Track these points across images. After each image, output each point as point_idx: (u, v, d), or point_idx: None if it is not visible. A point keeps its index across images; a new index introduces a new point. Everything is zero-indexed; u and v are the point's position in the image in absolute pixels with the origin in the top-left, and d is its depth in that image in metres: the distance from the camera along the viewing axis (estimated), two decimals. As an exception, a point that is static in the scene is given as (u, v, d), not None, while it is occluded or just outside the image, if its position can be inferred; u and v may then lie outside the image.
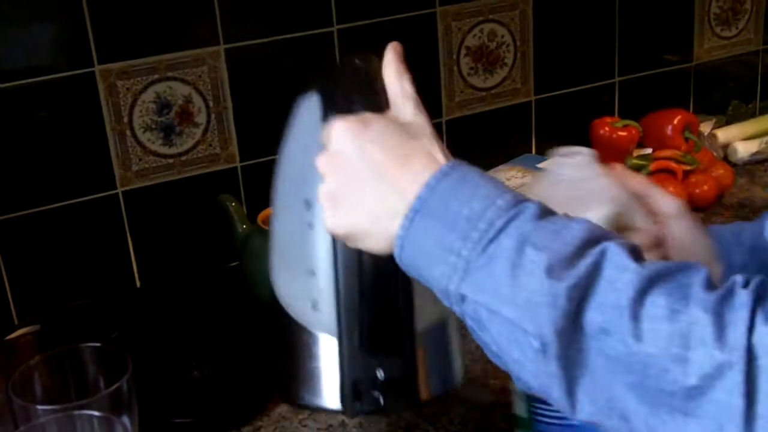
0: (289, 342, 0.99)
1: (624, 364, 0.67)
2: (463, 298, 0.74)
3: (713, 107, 2.01)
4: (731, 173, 1.79)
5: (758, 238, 0.93)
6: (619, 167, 0.98)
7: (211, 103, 1.55)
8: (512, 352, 0.73)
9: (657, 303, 0.67)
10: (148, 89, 1.50)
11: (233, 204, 1.47)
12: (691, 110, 1.98)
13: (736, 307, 0.65)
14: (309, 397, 0.98)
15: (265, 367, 1.32)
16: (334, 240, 0.88)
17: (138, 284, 1.58)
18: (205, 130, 1.56)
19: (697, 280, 0.68)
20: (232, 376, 1.30)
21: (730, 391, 0.63)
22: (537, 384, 0.73)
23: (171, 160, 1.55)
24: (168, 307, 1.52)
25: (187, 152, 1.56)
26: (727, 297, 0.66)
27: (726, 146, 1.91)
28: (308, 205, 0.93)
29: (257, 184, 1.61)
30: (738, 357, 0.63)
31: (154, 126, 1.52)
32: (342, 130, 0.82)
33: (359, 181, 0.80)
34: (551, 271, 0.69)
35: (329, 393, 0.95)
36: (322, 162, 0.84)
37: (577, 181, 0.95)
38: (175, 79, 1.51)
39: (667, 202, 0.95)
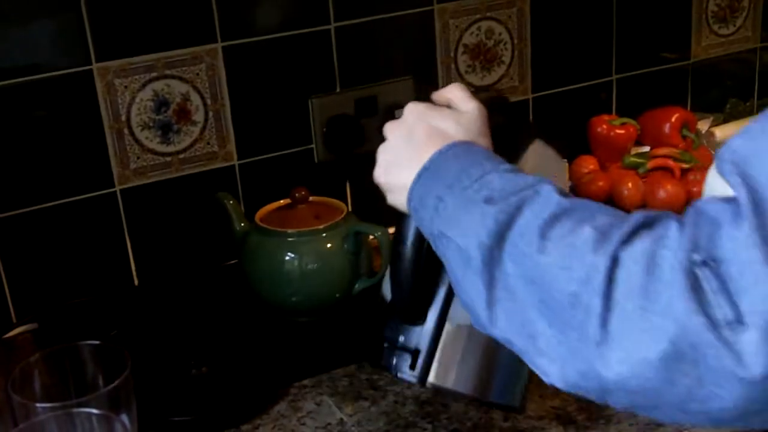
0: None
1: (533, 280, 0.77)
2: (437, 235, 0.89)
3: (711, 105, 2.02)
4: (729, 171, 1.78)
5: None
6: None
7: (208, 101, 1.55)
8: (456, 274, 0.86)
9: (564, 225, 0.78)
10: (145, 87, 1.50)
11: (231, 202, 1.47)
12: (688, 108, 1.98)
13: (621, 227, 0.74)
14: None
15: (264, 365, 1.32)
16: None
17: (136, 282, 1.58)
18: (203, 128, 1.56)
19: (606, 211, 0.79)
20: (231, 374, 1.30)
21: (592, 291, 0.72)
22: (467, 299, 0.85)
23: (169, 158, 1.55)
24: (166, 305, 1.52)
25: (184, 150, 1.56)
26: (619, 221, 0.76)
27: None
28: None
29: (255, 182, 1.62)
30: (604, 262, 0.72)
31: (151, 124, 1.52)
32: (412, 107, 1.02)
33: (402, 146, 0.99)
34: (489, 200, 0.84)
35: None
36: (388, 126, 1.03)
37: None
38: (172, 77, 1.51)
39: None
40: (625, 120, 1.80)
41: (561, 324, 0.76)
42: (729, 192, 0.70)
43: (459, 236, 0.85)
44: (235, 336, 1.41)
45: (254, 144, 1.61)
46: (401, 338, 1.07)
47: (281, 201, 1.48)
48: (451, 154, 0.93)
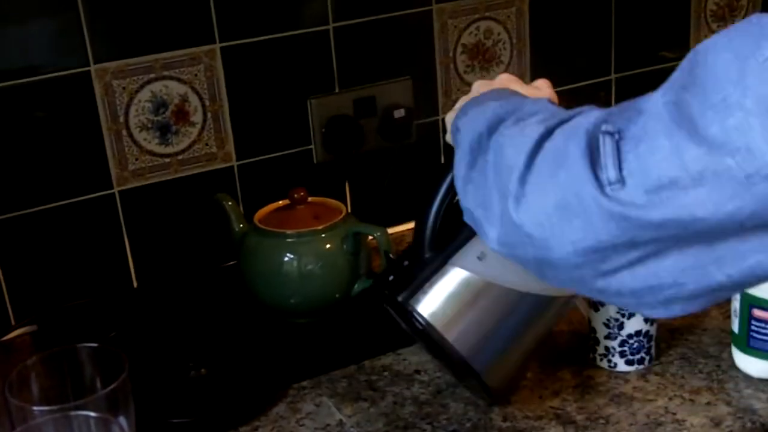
0: None
1: (496, 162, 0.88)
2: (453, 131, 1.01)
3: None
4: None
5: None
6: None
7: (207, 102, 1.55)
8: (455, 157, 0.97)
9: (537, 115, 0.89)
10: (144, 88, 1.50)
11: (230, 203, 1.47)
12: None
13: (570, 113, 0.85)
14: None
15: (262, 366, 1.32)
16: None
17: (135, 284, 1.58)
18: (202, 129, 1.56)
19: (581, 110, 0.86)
20: (230, 376, 1.30)
21: (522, 155, 0.84)
22: (455, 175, 0.96)
23: (167, 160, 1.55)
24: (165, 307, 1.52)
25: (183, 151, 1.55)
26: (580, 112, 0.85)
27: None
28: None
29: (254, 183, 1.61)
30: (539, 132, 0.84)
31: (150, 125, 1.52)
32: (506, 75, 1.13)
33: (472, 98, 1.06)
34: (498, 103, 0.96)
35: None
36: (478, 82, 1.14)
37: None
38: (171, 78, 1.51)
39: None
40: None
41: (501, 189, 0.86)
42: None
43: (467, 129, 0.95)
44: (234, 337, 1.41)
45: (253, 145, 1.61)
46: (406, 262, 1.12)
47: (280, 202, 1.48)
48: (500, 91, 1.04)
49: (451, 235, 1.10)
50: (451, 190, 1.06)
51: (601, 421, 1.18)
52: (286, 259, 1.40)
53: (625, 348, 1.25)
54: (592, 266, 0.81)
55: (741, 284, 0.78)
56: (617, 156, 0.76)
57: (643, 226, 0.75)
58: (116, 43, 1.47)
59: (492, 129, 0.91)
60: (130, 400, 1.01)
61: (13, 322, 1.49)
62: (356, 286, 1.43)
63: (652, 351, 1.28)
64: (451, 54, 1.72)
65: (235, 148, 1.59)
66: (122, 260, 1.56)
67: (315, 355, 1.36)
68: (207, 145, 1.57)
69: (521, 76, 1.77)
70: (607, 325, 1.25)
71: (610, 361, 1.27)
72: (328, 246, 1.41)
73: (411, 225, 1.19)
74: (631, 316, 1.24)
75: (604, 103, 1.89)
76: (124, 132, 1.50)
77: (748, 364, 1.24)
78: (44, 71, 1.43)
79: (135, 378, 1.02)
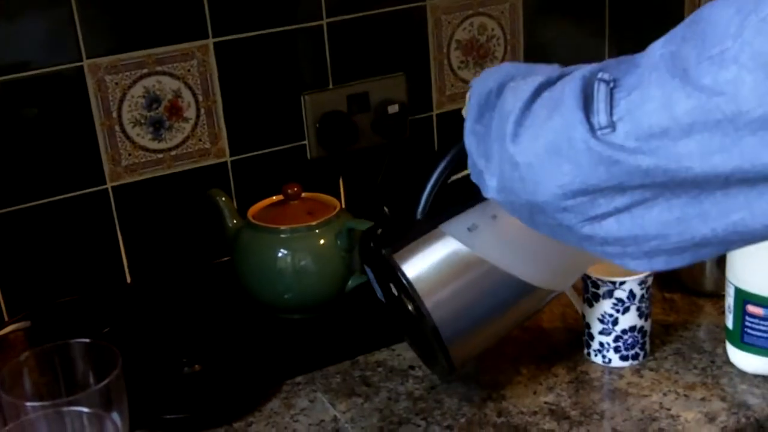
0: None
1: (500, 109, 0.89)
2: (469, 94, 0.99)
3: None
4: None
5: None
6: None
7: (200, 98, 1.55)
8: (467, 123, 0.97)
9: (544, 72, 0.89)
10: (136, 84, 1.49)
11: (223, 199, 1.47)
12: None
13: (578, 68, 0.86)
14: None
15: (256, 362, 1.32)
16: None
17: (128, 280, 1.58)
18: (195, 125, 1.55)
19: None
20: (224, 372, 1.30)
21: (520, 101, 0.86)
22: (465, 137, 0.96)
23: (161, 155, 1.54)
24: (159, 303, 1.52)
25: (176, 147, 1.55)
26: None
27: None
28: None
29: (247, 178, 1.61)
30: (540, 81, 0.86)
31: (143, 121, 1.51)
32: None
33: None
34: (512, 65, 0.96)
35: None
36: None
37: None
38: (164, 73, 1.51)
39: None
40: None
41: (500, 135, 0.87)
42: None
43: (478, 86, 0.95)
44: (228, 333, 1.40)
45: (246, 140, 1.60)
46: (391, 212, 1.16)
47: (274, 197, 1.48)
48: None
49: (447, 207, 1.10)
50: (454, 163, 1.07)
51: (596, 416, 1.18)
52: (280, 254, 1.40)
53: (620, 343, 1.25)
54: (580, 210, 0.83)
55: (724, 240, 0.79)
56: (609, 102, 0.77)
57: (631, 172, 0.77)
58: (109, 38, 1.47)
59: (501, 87, 0.92)
60: (123, 395, 1.00)
61: (6, 318, 1.49)
62: (350, 281, 1.43)
63: (647, 346, 1.28)
64: (445, 50, 1.72)
65: (228, 143, 1.59)
66: (115, 256, 1.56)
67: (309, 350, 1.35)
68: (200, 140, 1.57)
69: (515, 72, 1.77)
70: (601, 321, 1.25)
71: (604, 356, 1.27)
72: (322, 242, 1.40)
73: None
74: (625, 311, 1.24)
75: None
76: (117, 128, 1.50)
77: (742, 359, 1.24)
78: (36, 66, 1.43)
79: (128, 374, 1.02)
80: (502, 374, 1.27)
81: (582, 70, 0.83)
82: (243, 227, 1.44)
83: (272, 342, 1.38)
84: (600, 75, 0.80)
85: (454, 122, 1.74)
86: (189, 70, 1.52)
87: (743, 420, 1.16)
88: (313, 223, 1.41)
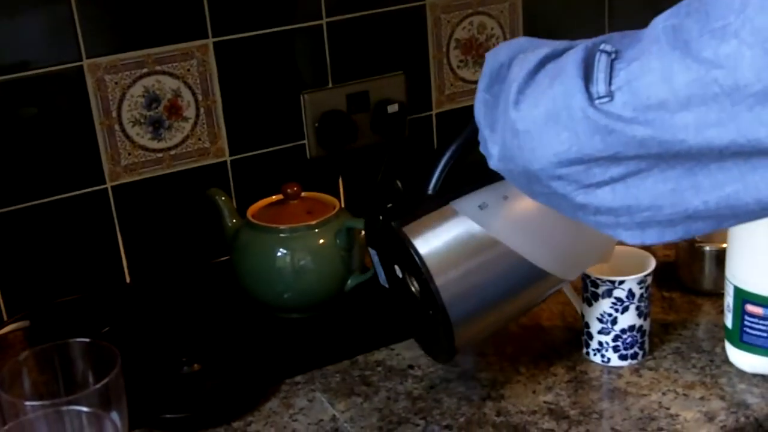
0: None
1: (507, 84, 0.89)
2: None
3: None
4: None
5: None
6: None
7: (200, 97, 1.55)
8: (478, 92, 0.97)
9: (552, 44, 0.89)
10: (136, 83, 1.49)
11: (223, 198, 1.47)
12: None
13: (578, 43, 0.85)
14: None
15: (255, 361, 1.32)
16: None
17: (128, 279, 1.58)
18: (194, 125, 1.55)
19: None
20: (223, 371, 1.30)
21: (525, 70, 0.87)
22: (475, 104, 0.96)
23: (160, 155, 1.54)
24: (158, 303, 1.52)
25: (176, 146, 1.55)
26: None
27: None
28: None
29: (247, 178, 1.61)
30: (545, 53, 0.87)
31: (142, 120, 1.51)
32: None
33: None
34: (527, 39, 0.96)
35: None
36: None
37: None
38: (163, 73, 1.51)
39: None
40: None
41: (504, 104, 0.88)
42: None
43: (491, 58, 0.95)
44: (227, 333, 1.40)
45: (246, 140, 1.60)
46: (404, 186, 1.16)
47: (273, 197, 1.48)
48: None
49: (459, 185, 1.10)
50: (468, 141, 1.06)
51: (595, 415, 1.18)
52: (279, 254, 1.40)
53: (619, 343, 1.25)
54: (575, 179, 0.84)
55: (716, 215, 0.80)
56: (609, 72, 0.78)
57: (627, 142, 0.78)
58: (108, 38, 1.47)
59: (512, 60, 0.92)
60: (122, 395, 1.00)
61: (5, 318, 1.49)
62: (349, 281, 1.43)
63: (646, 346, 1.28)
64: (444, 49, 1.72)
65: (228, 143, 1.59)
66: (115, 255, 1.56)
67: (308, 350, 1.35)
68: (200, 140, 1.57)
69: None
70: (600, 320, 1.25)
71: (603, 356, 1.27)
72: (321, 241, 1.40)
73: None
74: (624, 311, 1.24)
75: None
76: (117, 127, 1.50)
77: (741, 359, 1.24)
78: (36, 66, 1.43)
79: (127, 373, 1.02)
80: (501, 373, 1.27)
81: (586, 42, 0.84)
82: (242, 227, 1.44)
83: (271, 341, 1.38)
84: (602, 46, 0.80)
85: (453, 121, 1.74)
86: (188, 70, 1.52)
87: (742, 419, 1.16)
88: (313, 223, 1.40)
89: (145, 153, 1.53)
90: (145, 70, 1.49)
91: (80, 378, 1.05)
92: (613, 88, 0.78)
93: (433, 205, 1.10)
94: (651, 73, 0.75)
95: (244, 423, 1.21)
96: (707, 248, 1.40)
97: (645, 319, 1.26)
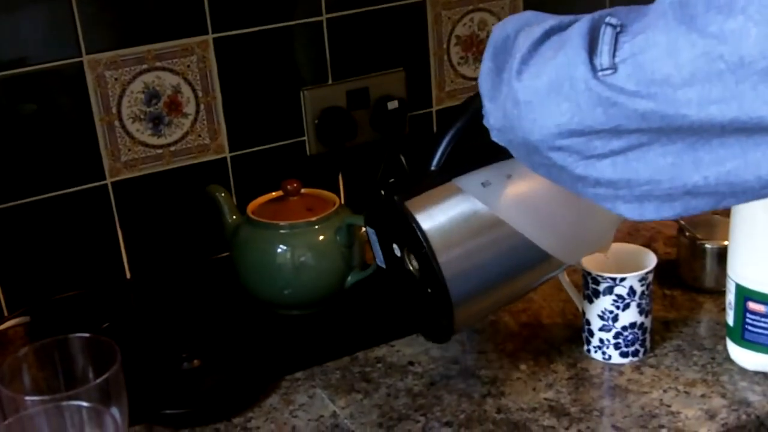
0: None
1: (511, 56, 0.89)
2: None
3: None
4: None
5: None
6: None
7: (200, 94, 1.54)
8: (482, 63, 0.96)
9: (551, 22, 0.90)
10: (136, 79, 1.49)
11: (223, 194, 1.47)
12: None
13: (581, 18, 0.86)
14: None
15: (255, 358, 1.32)
16: None
17: (128, 275, 1.58)
18: (194, 121, 1.55)
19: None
20: (223, 368, 1.30)
21: (529, 42, 0.87)
22: (479, 76, 0.95)
23: (160, 151, 1.54)
24: (158, 298, 1.52)
25: (176, 143, 1.55)
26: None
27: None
28: None
29: (247, 174, 1.61)
30: (551, 24, 0.88)
31: (142, 116, 1.51)
32: None
33: None
34: (533, 12, 0.98)
35: None
36: None
37: None
38: (163, 69, 1.51)
39: None
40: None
41: (507, 74, 0.88)
42: None
43: (497, 30, 0.95)
44: (227, 329, 1.40)
45: (246, 136, 1.60)
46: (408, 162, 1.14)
47: (273, 193, 1.48)
48: None
49: (463, 162, 1.10)
50: (473, 118, 1.05)
51: (596, 413, 1.17)
52: (279, 250, 1.39)
53: (620, 340, 1.25)
54: (575, 150, 0.84)
55: (715, 191, 0.80)
56: (614, 45, 0.78)
57: (629, 116, 0.78)
58: (108, 33, 1.46)
59: (518, 33, 0.92)
60: (122, 390, 1.00)
61: (5, 313, 1.49)
62: (349, 277, 1.42)
63: (647, 343, 1.28)
64: (444, 45, 1.72)
65: (228, 139, 1.59)
66: (115, 251, 1.55)
67: (308, 346, 1.35)
68: (200, 136, 1.56)
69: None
70: (601, 317, 1.25)
71: (604, 353, 1.27)
72: (321, 237, 1.40)
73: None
74: (626, 308, 1.23)
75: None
76: (117, 123, 1.50)
77: (742, 356, 1.24)
78: (36, 62, 1.42)
79: (128, 369, 1.02)
80: (502, 370, 1.27)
81: (592, 15, 0.84)
82: (242, 223, 1.44)
83: (271, 338, 1.38)
84: (608, 19, 0.80)
85: (454, 118, 1.74)
86: (188, 66, 1.52)
87: (744, 417, 1.15)
88: (313, 219, 1.40)
89: (145, 149, 1.53)
90: (145, 66, 1.49)
91: (80, 373, 1.05)
92: (617, 60, 0.77)
93: (435, 181, 1.09)
94: (656, 47, 0.75)
95: (245, 419, 1.21)
96: (709, 245, 1.40)
97: (646, 317, 1.26)
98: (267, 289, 1.42)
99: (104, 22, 1.46)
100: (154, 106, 1.52)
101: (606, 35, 0.79)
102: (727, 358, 1.26)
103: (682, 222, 1.44)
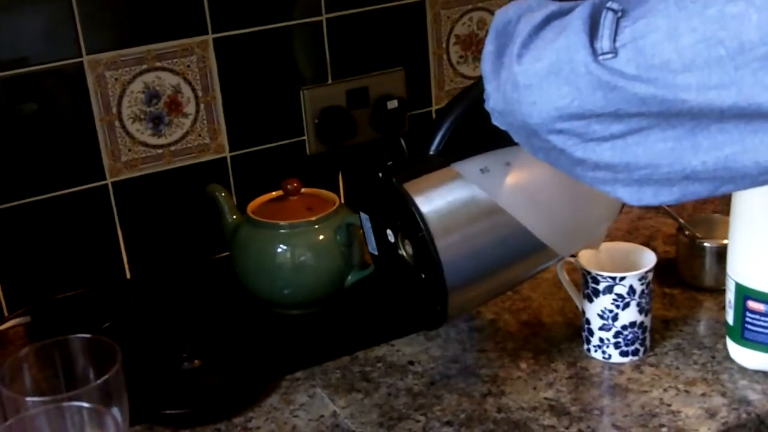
0: None
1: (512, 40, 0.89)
2: None
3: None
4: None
5: None
6: None
7: (200, 93, 1.54)
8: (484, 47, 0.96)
9: (553, 7, 0.89)
10: (136, 79, 1.49)
11: (223, 194, 1.47)
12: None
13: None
14: None
15: (256, 357, 1.32)
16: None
17: (128, 275, 1.58)
18: (194, 121, 1.55)
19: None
20: (223, 367, 1.30)
21: (530, 26, 0.86)
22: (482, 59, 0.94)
23: (160, 151, 1.54)
24: (158, 299, 1.52)
25: (176, 142, 1.55)
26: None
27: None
28: None
29: (247, 174, 1.61)
30: (552, 9, 0.87)
31: (143, 116, 1.51)
32: None
33: None
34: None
35: None
36: None
37: None
38: (163, 69, 1.51)
39: None
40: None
41: (508, 58, 0.88)
42: None
43: (499, 15, 0.94)
44: (227, 329, 1.40)
45: (246, 136, 1.60)
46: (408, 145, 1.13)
47: (273, 193, 1.48)
48: None
49: (462, 148, 1.09)
50: (473, 104, 1.05)
51: (596, 412, 1.18)
52: (279, 250, 1.39)
53: (620, 339, 1.25)
54: (575, 133, 0.84)
55: (713, 176, 0.81)
56: (615, 29, 0.79)
57: (629, 100, 0.78)
58: (109, 34, 1.46)
59: (520, 17, 0.92)
60: (123, 391, 1.00)
61: (6, 313, 1.49)
62: (349, 277, 1.42)
63: (647, 342, 1.28)
64: (444, 45, 1.72)
65: (228, 139, 1.59)
66: (115, 251, 1.56)
67: (308, 346, 1.35)
68: (200, 136, 1.56)
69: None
70: (601, 317, 1.25)
71: (604, 352, 1.27)
72: (321, 237, 1.40)
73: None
74: (625, 307, 1.23)
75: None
76: (117, 123, 1.50)
77: (742, 355, 1.24)
78: (36, 62, 1.43)
79: (128, 369, 1.01)
80: (502, 370, 1.27)
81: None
82: (242, 223, 1.44)
83: (271, 337, 1.38)
84: (609, 4, 0.80)
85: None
86: (188, 66, 1.52)
87: (744, 416, 1.16)
88: (313, 219, 1.40)
89: (146, 149, 1.53)
90: (145, 66, 1.49)
91: (81, 374, 1.05)
92: (617, 44, 0.78)
93: (434, 164, 1.09)
94: (656, 32, 0.75)
95: (245, 419, 1.21)
96: (708, 244, 1.40)
97: (646, 316, 1.26)
98: (267, 288, 1.42)
99: (104, 22, 1.46)
100: (154, 106, 1.52)
101: (607, 19, 0.79)
102: (727, 357, 1.26)
103: (682, 221, 1.44)
